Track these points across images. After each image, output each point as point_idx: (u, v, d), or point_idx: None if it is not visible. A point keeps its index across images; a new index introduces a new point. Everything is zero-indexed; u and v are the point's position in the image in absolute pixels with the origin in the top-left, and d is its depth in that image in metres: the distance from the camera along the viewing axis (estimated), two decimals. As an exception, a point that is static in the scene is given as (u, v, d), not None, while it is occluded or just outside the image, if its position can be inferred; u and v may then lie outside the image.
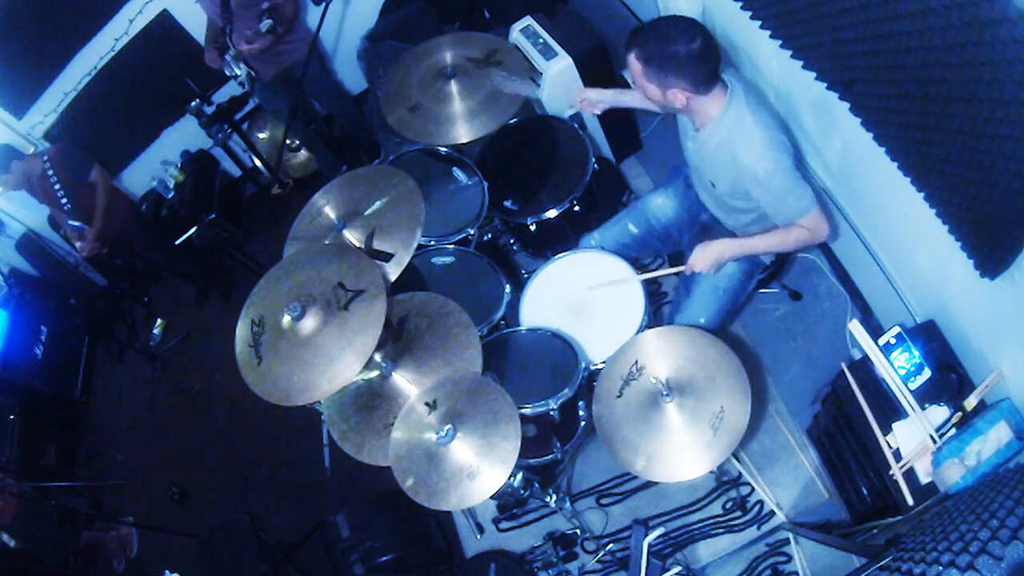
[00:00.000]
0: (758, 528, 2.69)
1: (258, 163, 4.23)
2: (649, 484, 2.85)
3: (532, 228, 2.86)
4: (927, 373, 2.09)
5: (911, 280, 2.43)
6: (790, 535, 2.60)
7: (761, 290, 3.00)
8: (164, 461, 4.10)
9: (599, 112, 2.71)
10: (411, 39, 3.37)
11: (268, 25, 3.21)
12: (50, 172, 3.68)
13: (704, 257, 2.28)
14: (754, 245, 2.29)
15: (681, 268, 2.39)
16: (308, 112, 4.07)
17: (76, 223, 3.74)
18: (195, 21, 3.79)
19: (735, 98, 2.07)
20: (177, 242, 4.23)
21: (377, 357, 2.27)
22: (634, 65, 2.02)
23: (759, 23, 2.31)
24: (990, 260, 1.72)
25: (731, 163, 2.11)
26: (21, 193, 3.88)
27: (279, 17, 3.31)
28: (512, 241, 3.07)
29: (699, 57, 1.95)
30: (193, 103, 3.55)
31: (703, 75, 1.99)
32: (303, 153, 4.43)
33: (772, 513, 2.69)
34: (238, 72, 3.34)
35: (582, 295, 2.59)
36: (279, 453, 3.74)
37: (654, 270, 3.23)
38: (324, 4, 3.06)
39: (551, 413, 2.39)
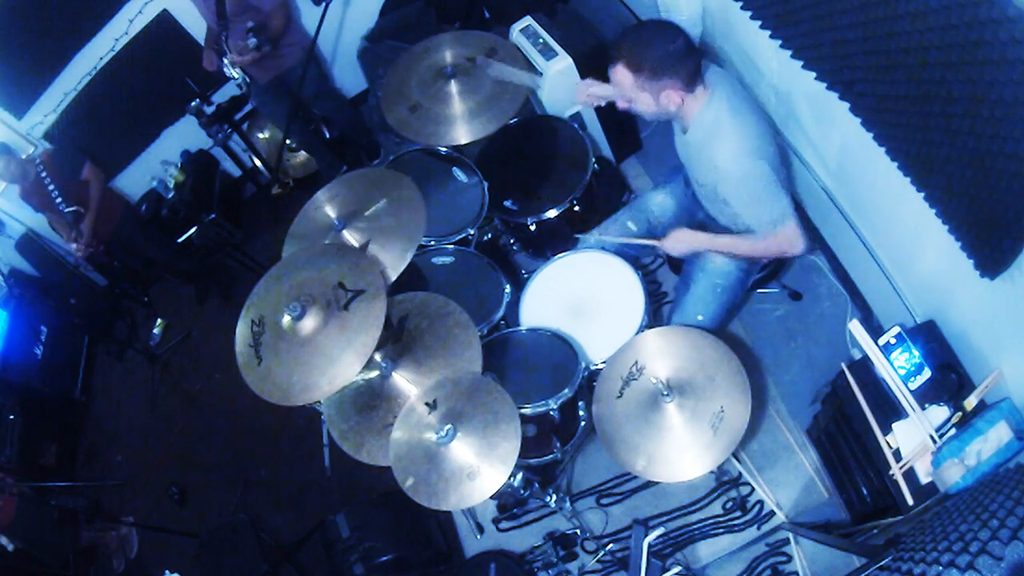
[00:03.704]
0: (758, 528, 2.69)
1: (258, 163, 4.25)
2: (649, 484, 2.85)
3: (532, 228, 2.86)
4: (927, 373, 2.09)
5: (911, 280, 2.43)
6: (790, 535, 2.60)
7: (761, 290, 3.00)
8: (164, 461, 4.10)
9: (602, 104, 2.69)
10: (411, 39, 3.36)
11: (254, 43, 3.23)
12: (44, 175, 3.69)
13: (678, 243, 2.38)
14: (723, 244, 2.34)
15: (654, 242, 2.46)
16: (306, 114, 4.07)
17: (71, 208, 3.73)
18: (195, 21, 3.79)
19: (715, 99, 2.08)
20: (178, 241, 4.23)
21: (377, 357, 2.27)
22: (623, 77, 2.01)
23: (759, 23, 2.31)
24: (990, 260, 1.72)
25: (708, 163, 2.13)
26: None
27: (265, 35, 3.31)
28: (512, 241, 3.07)
29: (685, 53, 1.97)
30: (193, 103, 3.56)
31: (690, 71, 2.01)
32: (303, 153, 4.43)
33: (772, 513, 2.69)
34: (235, 75, 3.34)
35: (582, 294, 2.59)
36: (279, 453, 3.73)
37: (649, 267, 3.25)
38: (324, 5, 3.07)
39: (551, 413, 2.39)
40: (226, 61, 3.34)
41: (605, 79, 2.70)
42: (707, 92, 2.08)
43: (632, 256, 2.70)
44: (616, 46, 2.00)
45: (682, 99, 2.04)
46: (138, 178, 4.46)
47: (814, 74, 2.12)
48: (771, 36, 2.27)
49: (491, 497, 2.08)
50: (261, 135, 4.33)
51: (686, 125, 2.16)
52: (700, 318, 2.49)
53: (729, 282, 2.49)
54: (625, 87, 2.04)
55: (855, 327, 2.19)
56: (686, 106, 2.08)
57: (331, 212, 2.50)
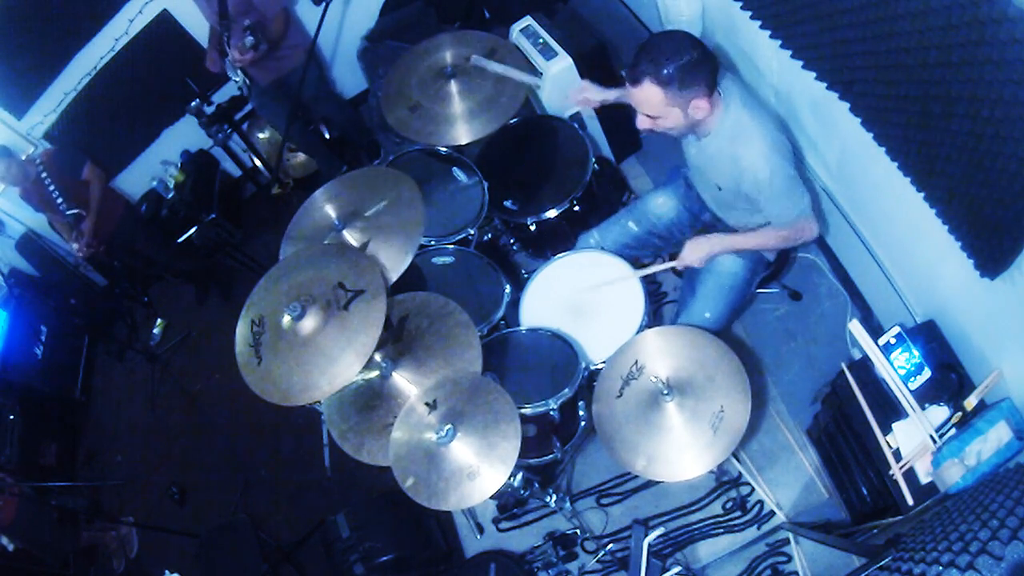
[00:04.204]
0: (758, 528, 2.69)
1: (258, 163, 4.25)
2: (649, 484, 2.85)
3: (532, 228, 2.86)
4: (927, 373, 2.09)
5: (911, 280, 2.43)
6: (790, 535, 2.60)
7: (761, 290, 3.00)
8: (164, 461, 4.10)
9: (596, 106, 2.69)
10: (411, 39, 3.36)
11: (250, 42, 3.22)
12: (44, 175, 3.69)
13: (695, 251, 2.33)
14: (743, 242, 2.33)
15: (674, 264, 2.43)
16: (306, 116, 4.07)
17: (72, 211, 3.73)
18: (195, 21, 3.79)
19: (731, 101, 2.08)
20: (178, 241, 4.23)
21: (377, 357, 2.27)
22: (652, 94, 1.97)
23: (759, 23, 2.31)
24: (990, 260, 1.72)
25: (733, 166, 2.12)
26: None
27: (263, 34, 3.31)
28: (512, 241, 3.07)
29: (705, 59, 1.96)
30: (193, 103, 3.56)
31: (712, 77, 2.00)
32: (303, 153, 4.43)
33: (772, 513, 2.69)
34: (236, 78, 3.34)
35: (582, 295, 2.59)
36: (279, 453, 3.74)
37: (650, 265, 3.25)
38: (324, 5, 3.07)
39: (551, 413, 2.39)
40: (227, 62, 3.34)
41: (605, 79, 2.72)
42: (722, 97, 2.08)
43: (632, 256, 2.70)
44: (637, 66, 1.96)
45: (710, 106, 2.03)
46: (138, 178, 4.46)
47: (814, 74, 2.12)
48: (771, 36, 2.27)
49: (491, 497, 2.08)
50: (261, 135, 4.33)
51: (705, 132, 2.15)
52: (707, 315, 2.48)
53: (736, 282, 2.49)
54: (654, 105, 2.00)
55: (855, 327, 2.19)
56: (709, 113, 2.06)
57: (331, 212, 2.50)
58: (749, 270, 2.50)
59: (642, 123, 2.10)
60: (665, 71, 1.93)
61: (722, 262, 2.48)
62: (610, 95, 2.61)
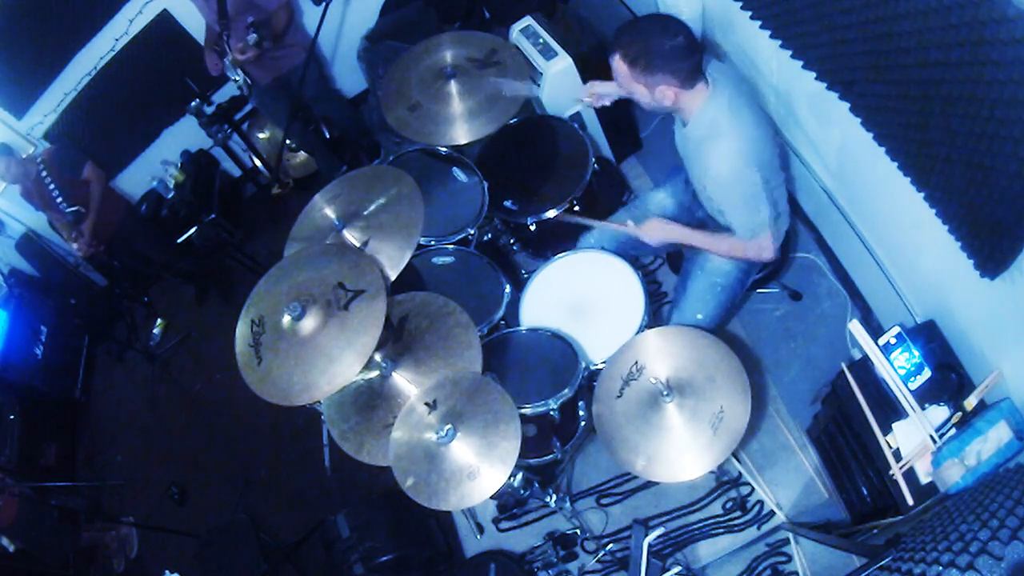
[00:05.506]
0: (758, 528, 2.69)
1: (258, 163, 4.24)
2: (649, 484, 2.85)
3: (532, 228, 2.86)
4: (927, 373, 2.09)
5: (911, 280, 2.44)
6: (790, 535, 2.60)
7: (761, 290, 3.00)
8: (164, 461, 4.10)
9: (608, 104, 2.70)
10: (411, 39, 3.36)
11: (254, 39, 3.22)
12: (44, 174, 3.69)
13: (653, 231, 2.43)
14: (697, 239, 2.38)
15: (625, 227, 2.54)
16: (306, 115, 4.07)
17: (72, 209, 3.73)
18: (195, 21, 3.79)
19: (717, 95, 2.07)
20: (178, 241, 4.24)
21: (377, 357, 2.27)
22: (619, 67, 2.02)
23: (759, 23, 2.31)
24: (990, 260, 1.72)
25: (703, 164, 2.14)
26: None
27: (267, 30, 3.30)
28: (512, 241, 3.07)
29: (683, 52, 1.96)
30: (193, 103, 3.55)
31: (688, 70, 2.00)
32: (303, 153, 4.43)
33: (772, 513, 2.69)
34: (236, 78, 3.34)
35: (582, 294, 2.59)
36: (279, 453, 3.74)
37: (649, 267, 3.26)
38: (324, 5, 3.06)
39: (551, 413, 2.39)
40: (227, 62, 3.34)
41: (608, 77, 2.71)
42: (708, 89, 2.07)
43: (632, 256, 2.70)
44: (616, 39, 2.00)
45: (676, 95, 2.03)
46: (138, 178, 4.46)
47: (814, 74, 2.13)
48: (771, 36, 2.27)
49: (491, 497, 2.08)
50: (261, 135, 4.33)
51: (686, 119, 2.16)
52: (699, 316, 2.49)
53: (728, 281, 2.49)
54: (621, 78, 2.05)
55: (855, 327, 2.19)
56: (685, 102, 2.07)
57: (331, 213, 2.50)
58: (742, 271, 2.50)
59: (621, 90, 2.15)
60: (633, 50, 1.96)
61: (714, 261, 2.48)
62: (615, 87, 2.61)
